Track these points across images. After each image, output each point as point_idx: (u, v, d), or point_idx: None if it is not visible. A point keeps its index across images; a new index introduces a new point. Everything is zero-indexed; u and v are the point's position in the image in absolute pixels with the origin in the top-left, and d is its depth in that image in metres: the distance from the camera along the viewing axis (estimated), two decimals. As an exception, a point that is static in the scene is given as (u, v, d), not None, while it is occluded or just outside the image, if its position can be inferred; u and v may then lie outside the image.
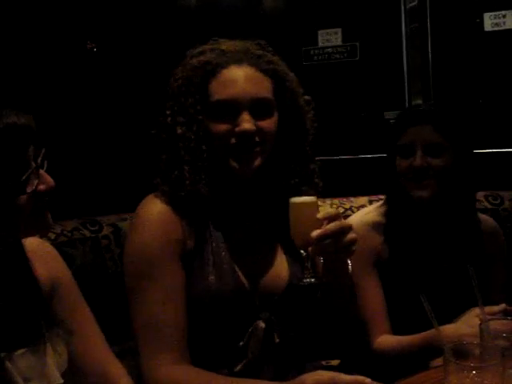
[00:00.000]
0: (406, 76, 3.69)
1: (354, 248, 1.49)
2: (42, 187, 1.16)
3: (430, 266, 1.98)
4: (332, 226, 1.44)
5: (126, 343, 1.75)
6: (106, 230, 1.92)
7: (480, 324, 1.30)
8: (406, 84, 3.69)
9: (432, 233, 2.00)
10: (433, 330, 1.78)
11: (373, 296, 1.96)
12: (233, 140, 1.56)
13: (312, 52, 3.86)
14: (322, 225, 1.44)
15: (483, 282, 1.56)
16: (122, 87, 3.63)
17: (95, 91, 3.56)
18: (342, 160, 3.78)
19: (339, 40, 3.82)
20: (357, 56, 3.80)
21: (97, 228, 1.91)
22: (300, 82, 1.68)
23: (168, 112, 1.60)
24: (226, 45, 1.63)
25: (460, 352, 1.16)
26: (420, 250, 1.98)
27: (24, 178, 1.13)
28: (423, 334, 1.82)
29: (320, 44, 3.85)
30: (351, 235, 1.47)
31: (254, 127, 1.55)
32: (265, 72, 1.60)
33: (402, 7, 3.66)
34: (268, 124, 1.59)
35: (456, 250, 1.99)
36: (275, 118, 1.61)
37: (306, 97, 1.69)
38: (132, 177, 3.39)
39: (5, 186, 1.12)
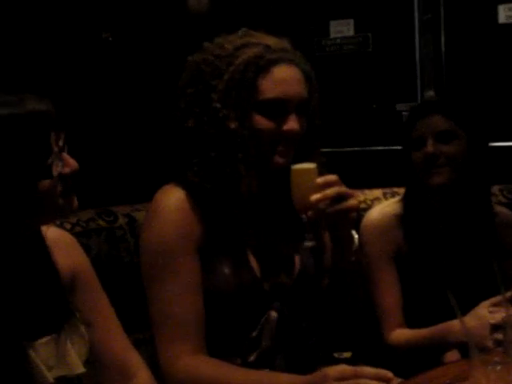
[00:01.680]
0: (418, 68, 3.67)
1: (353, 215, 1.53)
2: (66, 170, 1.18)
3: (450, 259, 1.97)
4: (331, 190, 1.48)
5: (140, 333, 1.76)
6: (121, 221, 1.92)
7: (504, 317, 1.30)
8: (419, 76, 3.67)
9: (450, 225, 2.00)
10: (445, 323, 1.79)
11: (390, 289, 1.96)
12: (279, 137, 1.57)
13: (324, 43, 3.84)
14: (321, 191, 1.48)
15: (502, 275, 1.56)
16: (136, 77, 3.63)
17: (110, 81, 3.56)
18: (354, 152, 3.77)
19: (351, 31, 3.79)
20: (369, 47, 3.77)
21: (112, 219, 1.91)
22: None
23: (218, 105, 1.56)
24: (267, 40, 1.61)
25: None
26: (439, 242, 1.98)
27: (49, 162, 1.14)
28: (436, 327, 1.82)
29: (332, 35, 3.83)
30: (352, 201, 1.51)
31: (299, 128, 1.58)
32: (304, 73, 1.61)
33: (416, -2, 3.65)
34: (304, 123, 1.62)
35: (474, 243, 1.99)
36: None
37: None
38: (146, 167, 3.41)
39: (29, 172, 1.13)
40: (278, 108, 1.57)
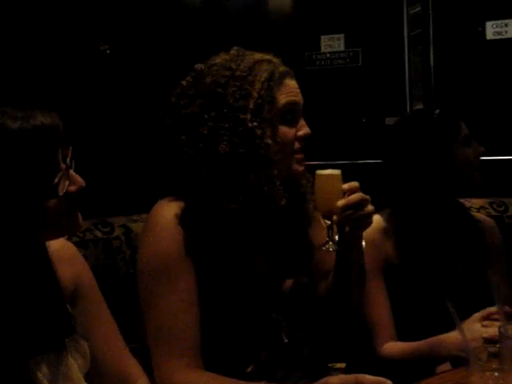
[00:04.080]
0: (407, 82, 3.71)
1: (371, 220, 1.59)
2: (72, 188, 1.15)
3: (440, 270, 1.99)
4: (355, 196, 1.53)
5: (135, 343, 1.76)
6: (118, 232, 1.93)
7: (499, 327, 1.32)
8: (408, 90, 3.71)
9: (440, 234, 2.02)
10: (437, 337, 1.80)
11: (381, 302, 1.97)
12: (297, 144, 1.63)
13: (314, 57, 3.88)
14: (344, 196, 1.54)
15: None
16: (133, 88, 3.64)
17: (107, 92, 3.56)
18: (343, 165, 3.75)
19: (342, 45, 3.84)
20: (359, 62, 3.81)
21: (108, 229, 1.92)
22: (303, 86, 1.73)
23: (254, 124, 1.57)
24: (261, 56, 1.67)
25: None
26: (429, 253, 2.00)
27: (56, 181, 1.12)
28: (428, 341, 1.83)
29: (322, 49, 3.87)
30: (370, 207, 1.56)
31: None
32: None
33: (405, 13, 3.68)
34: None
35: (463, 251, 2.01)
36: None
37: None
38: (142, 178, 3.40)
39: (36, 190, 1.10)
40: (292, 115, 1.64)
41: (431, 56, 3.64)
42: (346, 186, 1.55)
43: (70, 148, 1.17)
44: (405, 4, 3.69)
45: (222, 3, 3.96)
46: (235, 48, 1.69)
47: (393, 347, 1.94)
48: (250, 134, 1.57)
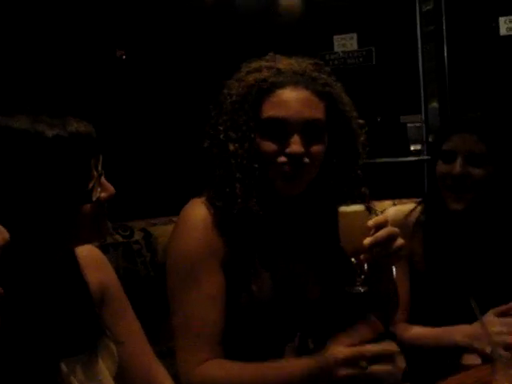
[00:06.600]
0: (421, 80, 3.71)
1: (400, 254, 1.49)
2: (104, 195, 1.17)
3: (467, 266, 1.98)
4: (382, 232, 1.44)
5: (157, 346, 1.77)
6: (138, 235, 1.93)
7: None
8: (422, 88, 3.71)
9: (468, 238, 2.00)
10: (446, 327, 1.80)
11: (399, 286, 1.95)
12: (281, 160, 1.56)
13: (328, 57, 3.89)
14: (371, 232, 1.45)
15: None
16: (148, 93, 3.65)
17: (124, 98, 3.57)
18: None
19: (355, 45, 3.84)
20: (372, 60, 3.82)
21: (128, 233, 1.92)
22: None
23: (221, 128, 1.59)
24: (283, 64, 1.61)
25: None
26: (457, 254, 1.98)
27: (90, 187, 1.14)
28: (436, 329, 1.83)
29: (336, 49, 3.88)
30: (400, 241, 1.47)
31: (302, 149, 1.54)
32: (319, 95, 1.58)
33: (418, 11, 3.69)
34: (317, 147, 1.58)
35: (492, 252, 1.99)
36: (325, 140, 1.61)
37: (360, 120, 1.68)
38: (162, 182, 3.41)
39: (71, 196, 1.13)
40: (281, 130, 1.56)
41: (445, 53, 3.64)
42: (371, 222, 1.45)
43: (101, 156, 1.19)
44: (417, 1, 3.69)
45: (235, 4, 3.97)
46: (270, 53, 1.66)
47: (406, 329, 1.93)
48: (218, 136, 1.60)
